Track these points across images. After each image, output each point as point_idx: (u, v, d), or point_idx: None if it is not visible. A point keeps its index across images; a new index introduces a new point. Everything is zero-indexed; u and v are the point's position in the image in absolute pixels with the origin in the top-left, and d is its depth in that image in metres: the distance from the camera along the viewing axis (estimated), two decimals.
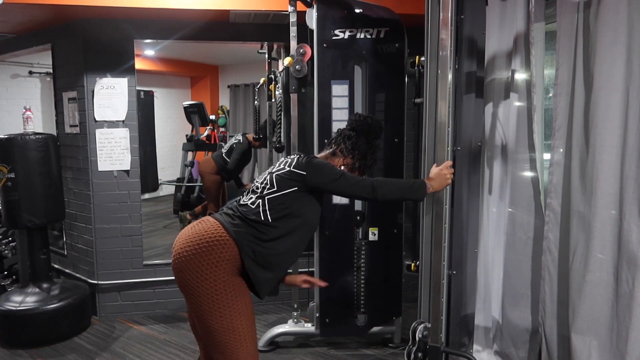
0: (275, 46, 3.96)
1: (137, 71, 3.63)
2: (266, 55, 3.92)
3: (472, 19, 2.23)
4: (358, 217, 3.01)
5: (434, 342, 2.16)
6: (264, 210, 1.90)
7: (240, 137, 4.80)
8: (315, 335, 3.10)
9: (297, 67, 2.88)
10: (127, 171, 3.63)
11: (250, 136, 4.78)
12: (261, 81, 4.23)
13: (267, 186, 1.96)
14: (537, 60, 2.34)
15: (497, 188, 2.52)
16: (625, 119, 1.94)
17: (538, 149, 2.36)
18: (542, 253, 2.29)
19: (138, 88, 3.70)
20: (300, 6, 2.92)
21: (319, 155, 2.20)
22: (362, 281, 3.04)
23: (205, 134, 6.81)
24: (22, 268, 3.51)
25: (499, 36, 2.44)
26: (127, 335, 3.44)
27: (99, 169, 3.57)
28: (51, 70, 3.86)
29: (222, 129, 7.20)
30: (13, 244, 4.01)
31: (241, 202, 1.98)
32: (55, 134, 3.74)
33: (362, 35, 2.88)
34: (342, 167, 2.14)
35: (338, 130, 2.26)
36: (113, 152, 3.57)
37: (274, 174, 1.99)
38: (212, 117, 6.90)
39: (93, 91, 3.52)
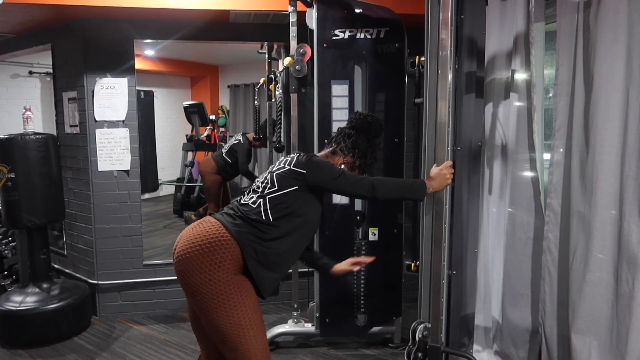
0: (275, 46, 3.96)
1: (137, 71, 3.63)
2: (266, 55, 3.92)
3: (472, 19, 2.23)
4: (358, 217, 3.01)
5: (434, 342, 2.17)
6: (265, 210, 1.90)
7: (240, 137, 4.80)
8: (315, 335, 3.10)
9: (297, 67, 2.88)
10: (127, 171, 3.63)
11: (251, 136, 4.78)
12: (261, 81, 4.23)
13: (268, 185, 1.96)
14: (537, 60, 2.34)
15: (497, 188, 2.52)
16: (625, 119, 1.94)
17: (538, 149, 2.36)
18: (542, 253, 2.29)
19: (138, 88, 3.70)
20: (300, 6, 2.92)
21: (319, 154, 2.19)
22: (362, 281, 3.04)
23: (205, 134, 6.81)
24: (22, 268, 3.51)
25: (499, 36, 2.44)
26: (127, 335, 3.44)
27: (99, 169, 3.57)
28: (51, 70, 3.86)
29: (222, 129, 7.21)
30: (13, 244, 4.01)
31: (242, 202, 1.98)
32: (55, 134, 3.74)
33: (362, 35, 2.88)
34: (342, 166, 2.13)
35: (338, 129, 2.26)
36: (113, 152, 3.57)
37: (275, 173, 1.99)
38: (212, 117, 6.90)
39: (93, 91, 3.52)
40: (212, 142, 6.79)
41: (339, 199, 2.95)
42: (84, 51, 3.51)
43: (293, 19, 2.96)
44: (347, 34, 2.87)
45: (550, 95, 2.46)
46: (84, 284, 3.62)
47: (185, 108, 6.72)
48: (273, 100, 3.30)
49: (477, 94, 2.33)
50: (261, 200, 1.93)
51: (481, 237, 2.55)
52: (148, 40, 3.69)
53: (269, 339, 3.13)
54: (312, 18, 2.88)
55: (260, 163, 6.14)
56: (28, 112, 3.30)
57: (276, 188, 1.94)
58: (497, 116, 2.48)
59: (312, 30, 2.90)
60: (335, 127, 2.86)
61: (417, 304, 2.34)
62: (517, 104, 2.40)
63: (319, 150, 2.68)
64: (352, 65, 2.92)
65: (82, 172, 3.65)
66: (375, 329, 3.12)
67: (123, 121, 3.58)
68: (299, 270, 3.28)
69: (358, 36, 2.88)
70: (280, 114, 3.10)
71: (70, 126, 3.70)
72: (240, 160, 4.74)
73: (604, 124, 1.98)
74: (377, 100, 2.96)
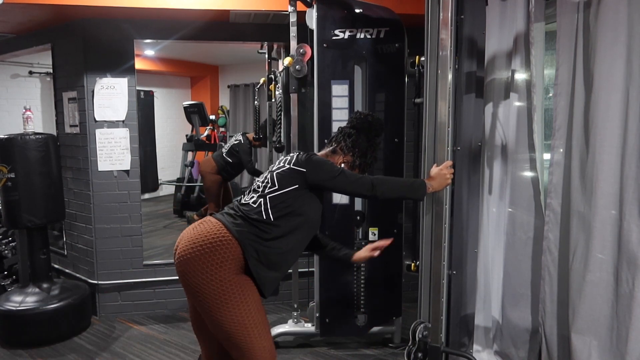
0: (275, 46, 3.96)
1: (137, 71, 3.63)
2: (266, 55, 3.92)
3: (472, 19, 2.23)
4: (358, 217, 3.01)
5: (434, 342, 2.17)
6: (266, 209, 1.90)
7: (240, 137, 4.80)
8: (315, 335, 3.10)
9: (297, 67, 2.88)
10: (127, 171, 3.63)
11: (251, 135, 4.78)
12: (261, 81, 4.24)
13: (268, 185, 1.96)
14: (537, 60, 2.34)
15: (497, 188, 2.52)
16: (625, 119, 1.94)
17: (538, 149, 2.36)
18: (542, 253, 2.29)
19: (138, 88, 3.70)
20: (300, 6, 2.92)
21: (319, 153, 2.19)
22: (362, 281, 3.04)
23: (205, 134, 6.81)
24: (22, 268, 3.51)
25: (499, 36, 2.44)
26: (127, 335, 3.44)
27: (99, 169, 3.57)
28: (51, 70, 3.86)
29: (222, 129, 7.21)
30: (13, 244, 4.01)
31: (242, 202, 1.99)
32: (55, 134, 3.74)
33: (362, 35, 2.88)
34: (342, 165, 2.13)
35: (339, 128, 2.26)
36: (113, 152, 3.57)
37: (275, 172, 2.00)
38: (212, 117, 6.90)
39: (93, 91, 3.52)
40: (212, 142, 6.79)
41: (339, 199, 2.95)
42: (84, 51, 3.51)
43: (293, 19, 2.96)
44: (347, 34, 2.87)
45: (550, 95, 2.46)
46: (84, 284, 3.62)
47: (185, 108, 6.73)
48: (273, 100, 3.30)
49: (477, 94, 2.33)
50: (262, 199, 1.93)
51: (481, 237, 2.55)
52: (148, 40, 3.69)
53: None
54: (312, 18, 2.88)
55: (260, 163, 6.14)
56: (28, 112, 3.30)
57: (276, 187, 1.94)
58: (497, 116, 2.48)
59: (312, 30, 2.90)
60: (335, 127, 2.85)
61: (417, 304, 2.34)
62: (517, 104, 2.40)
63: (319, 150, 2.68)
64: (352, 65, 2.92)
65: (82, 172, 3.65)
66: (375, 329, 3.12)
67: (123, 121, 3.58)
68: (299, 270, 3.28)
69: (358, 36, 2.88)
70: (280, 114, 3.10)
71: (70, 126, 3.70)
72: (244, 160, 4.74)
73: (604, 124, 1.98)
74: (377, 100, 2.96)
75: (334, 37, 2.86)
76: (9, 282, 3.86)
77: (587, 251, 2.07)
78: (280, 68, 3.30)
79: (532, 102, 2.32)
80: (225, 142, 6.14)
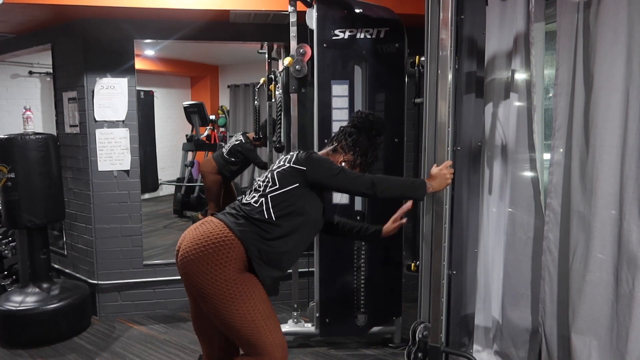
0: (275, 46, 3.96)
1: (137, 71, 3.62)
2: (266, 55, 3.92)
3: (472, 19, 2.23)
4: (358, 217, 3.01)
5: (434, 342, 2.17)
6: (267, 209, 1.91)
7: (241, 137, 4.80)
8: (315, 335, 3.10)
9: (297, 67, 2.88)
10: (127, 171, 3.63)
11: (251, 135, 4.78)
12: (261, 81, 4.23)
13: (269, 184, 1.97)
14: (537, 60, 2.34)
15: (497, 188, 2.52)
16: (625, 119, 1.94)
17: (538, 149, 2.36)
18: (542, 253, 2.29)
19: (138, 88, 3.70)
20: (300, 6, 2.92)
21: (320, 152, 2.20)
22: (362, 281, 3.04)
23: (205, 134, 6.81)
24: (22, 268, 3.51)
25: (499, 36, 2.44)
26: (127, 335, 3.44)
27: (99, 169, 3.57)
28: (51, 70, 3.86)
29: (222, 129, 7.20)
30: (13, 244, 4.01)
31: (244, 201, 1.99)
32: (55, 134, 3.74)
33: (362, 35, 2.88)
34: (343, 164, 2.14)
35: (340, 127, 2.27)
36: (113, 152, 3.57)
37: (275, 171, 2.00)
38: (212, 117, 6.90)
39: (93, 91, 3.52)
40: (212, 142, 6.79)
41: (339, 199, 2.95)
42: (84, 51, 3.51)
43: (293, 19, 2.96)
44: (347, 34, 2.87)
45: (550, 95, 2.46)
46: (84, 284, 3.62)
47: (185, 108, 6.72)
48: (273, 100, 3.30)
49: (477, 94, 2.33)
50: (263, 199, 1.94)
51: (481, 237, 2.55)
52: (148, 40, 3.69)
53: None
54: (312, 18, 2.88)
55: None
56: (28, 112, 3.30)
57: (277, 186, 1.95)
58: (497, 116, 2.48)
59: (312, 30, 2.90)
60: (335, 127, 2.86)
61: (417, 304, 2.34)
62: (517, 104, 2.40)
63: (320, 150, 2.68)
64: (352, 65, 2.92)
65: (82, 172, 3.65)
66: (375, 329, 3.12)
67: (123, 121, 3.58)
68: (299, 270, 3.28)
69: (358, 36, 2.88)
70: (280, 114, 3.10)
71: (70, 126, 3.70)
72: (251, 157, 4.76)
73: (604, 124, 1.98)
74: (377, 100, 2.96)
75: (334, 37, 2.86)
76: (9, 282, 3.85)
77: (587, 251, 2.07)
78: (280, 68, 3.30)
79: (532, 102, 2.32)
80: (225, 142, 6.14)
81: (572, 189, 2.16)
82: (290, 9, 2.95)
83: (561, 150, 2.20)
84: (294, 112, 3.02)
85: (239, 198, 2.06)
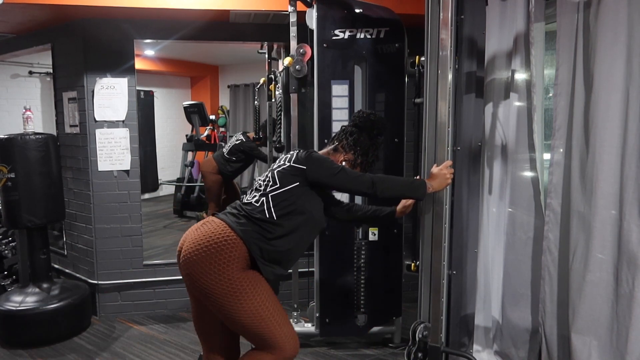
0: (275, 46, 3.96)
1: (137, 71, 3.62)
2: (266, 55, 3.92)
3: (472, 19, 2.23)
4: (355, 222, 3.00)
5: (434, 342, 2.17)
6: (269, 208, 1.91)
7: (242, 137, 4.80)
8: (315, 335, 3.10)
9: (297, 67, 2.88)
10: (127, 171, 3.63)
11: (251, 135, 4.78)
12: (261, 81, 4.23)
13: (270, 183, 1.97)
14: (537, 60, 2.34)
15: (497, 188, 2.52)
16: (625, 119, 1.94)
17: (538, 149, 2.36)
18: (542, 253, 2.29)
19: (138, 88, 3.70)
20: (300, 6, 2.91)
21: (321, 152, 2.20)
22: (362, 281, 3.04)
23: (205, 134, 6.82)
24: (22, 268, 3.51)
25: (499, 36, 2.44)
26: (127, 335, 3.44)
27: (99, 169, 3.57)
28: (51, 70, 3.86)
29: (222, 129, 7.21)
30: (13, 244, 4.01)
31: (245, 201, 1.99)
32: (55, 134, 3.74)
33: (362, 35, 2.88)
34: (344, 163, 2.14)
35: (342, 127, 2.27)
36: (113, 152, 3.57)
37: (275, 171, 2.01)
38: (212, 117, 6.90)
39: (93, 91, 3.52)
40: (212, 142, 6.79)
41: (339, 198, 2.94)
42: (84, 51, 3.51)
43: (293, 19, 2.96)
44: (347, 34, 2.87)
45: (550, 95, 2.46)
46: (84, 284, 3.62)
47: (185, 108, 6.73)
48: (273, 100, 3.30)
49: (477, 94, 2.33)
50: (264, 198, 1.94)
51: (481, 237, 2.55)
52: (148, 40, 3.69)
53: None
54: (312, 18, 2.88)
55: (260, 163, 6.14)
56: (28, 112, 3.30)
57: (278, 185, 1.95)
58: (497, 116, 2.48)
59: (312, 30, 2.90)
60: (335, 127, 2.86)
61: (417, 304, 2.34)
62: (517, 104, 2.40)
63: (320, 150, 2.68)
64: (352, 65, 2.92)
65: (82, 172, 3.65)
66: (375, 329, 3.12)
67: (123, 121, 3.58)
68: (299, 270, 3.28)
69: (358, 36, 2.88)
70: (280, 114, 3.10)
71: (70, 126, 3.70)
72: (255, 154, 4.75)
73: (604, 124, 1.98)
74: (377, 100, 2.96)
75: (334, 37, 2.86)
76: (9, 282, 3.85)
77: (587, 251, 2.07)
78: (280, 68, 3.30)
79: (532, 102, 2.32)
80: (225, 142, 6.14)
81: (572, 189, 2.16)
82: (290, 9, 2.95)
83: (561, 150, 2.20)
84: (294, 112, 3.02)
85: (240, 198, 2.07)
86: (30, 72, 6.00)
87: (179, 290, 3.68)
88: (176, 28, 3.54)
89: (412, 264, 2.86)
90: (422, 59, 2.45)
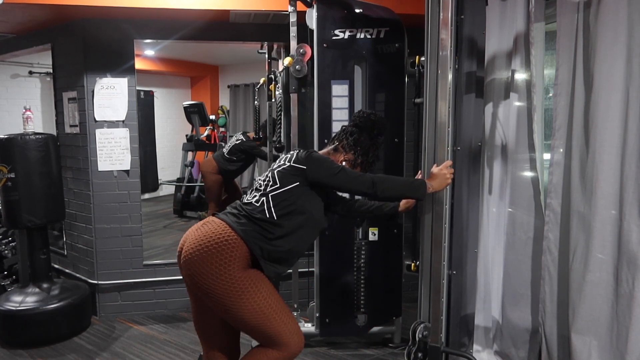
0: (275, 46, 3.96)
1: (137, 71, 3.62)
2: (266, 55, 3.92)
3: (472, 19, 2.23)
4: (358, 217, 3.01)
5: (434, 342, 2.17)
6: (269, 208, 1.92)
7: (242, 137, 4.80)
8: (315, 335, 3.10)
9: (297, 67, 2.88)
10: (127, 171, 3.63)
11: (251, 135, 4.78)
12: (261, 81, 4.23)
13: (270, 183, 1.98)
14: (537, 60, 2.34)
15: (497, 188, 2.52)
16: (625, 119, 1.94)
17: (538, 149, 2.36)
18: (542, 253, 2.29)
19: (138, 88, 3.70)
20: (300, 6, 2.91)
21: (321, 152, 2.20)
22: (362, 281, 3.04)
23: (205, 134, 6.82)
24: (22, 268, 3.51)
25: (499, 36, 2.44)
26: (127, 335, 3.44)
27: (99, 169, 3.57)
28: (51, 70, 3.86)
29: (222, 129, 7.21)
30: (13, 244, 4.01)
31: (245, 201, 2.00)
32: (55, 134, 3.74)
33: (362, 35, 2.88)
34: (344, 163, 2.14)
35: (342, 127, 2.27)
36: (113, 152, 3.57)
37: (276, 170, 2.01)
38: (212, 117, 6.91)
39: (93, 91, 3.52)
40: (212, 142, 6.79)
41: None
42: (84, 51, 3.51)
43: (293, 19, 2.96)
44: (347, 34, 2.87)
45: (550, 95, 2.46)
46: (84, 284, 3.62)
47: (185, 108, 6.73)
48: (273, 100, 3.30)
49: (477, 94, 2.33)
50: (264, 198, 1.94)
51: (481, 237, 2.55)
52: (148, 40, 3.69)
53: None
54: (312, 18, 2.88)
55: (260, 163, 6.14)
56: (28, 112, 3.30)
57: (278, 185, 1.95)
58: (497, 116, 2.48)
59: (312, 30, 2.90)
60: (335, 127, 2.86)
61: (417, 304, 2.34)
62: (517, 104, 2.40)
63: (320, 150, 2.68)
64: (352, 65, 2.92)
65: (82, 172, 3.65)
66: (375, 329, 3.12)
67: (123, 121, 3.58)
68: (299, 270, 3.28)
69: (358, 36, 2.88)
70: (280, 114, 3.10)
71: (70, 126, 3.70)
72: (257, 153, 4.75)
73: (604, 124, 1.98)
74: (377, 100, 2.96)
75: (334, 37, 2.86)
76: (9, 282, 3.85)
77: (587, 251, 2.07)
78: (280, 68, 3.30)
79: (532, 102, 2.32)
80: (225, 142, 6.14)
81: (572, 189, 2.16)
82: (290, 9, 2.95)
83: (561, 150, 2.20)
84: (294, 112, 3.02)
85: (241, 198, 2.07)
86: (30, 72, 6.00)
87: (179, 290, 3.68)
88: (176, 28, 3.54)
89: (412, 264, 2.86)
90: (422, 59, 2.45)
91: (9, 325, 3.23)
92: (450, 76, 2.10)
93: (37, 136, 3.24)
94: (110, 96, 3.54)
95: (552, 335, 2.28)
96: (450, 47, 2.07)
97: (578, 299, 2.11)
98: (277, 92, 3.13)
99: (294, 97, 2.99)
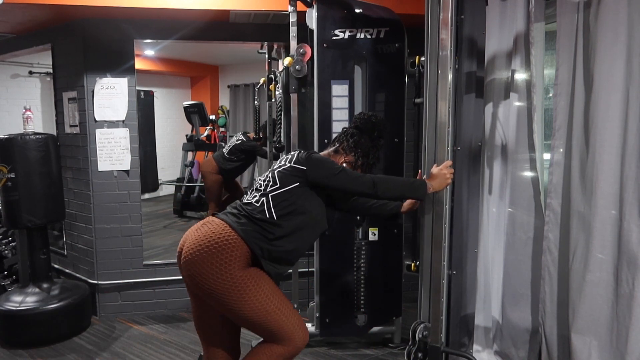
0: (275, 46, 3.96)
1: (137, 71, 3.62)
2: (266, 55, 3.92)
3: (472, 19, 2.23)
4: (358, 217, 3.01)
5: (434, 342, 2.16)
6: (269, 208, 1.92)
7: (242, 137, 4.81)
8: (315, 335, 3.10)
9: (297, 67, 2.88)
10: (127, 171, 3.63)
11: (251, 135, 4.78)
12: (261, 81, 4.24)
13: (270, 183, 1.98)
14: (537, 60, 2.34)
15: (497, 188, 2.52)
16: (625, 119, 1.94)
17: (538, 149, 2.36)
18: (542, 253, 2.29)
19: (138, 88, 3.70)
20: (300, 6, 2.92)
21: (322, 153, 2.20)
22: (362, 281, 3.04)
23: (205, 134, 6.82)
24: (22, 268, 3.51)
25: (499, 36, 2.44)
26: (127, 335, 3.44)
27: (99, 169, 3.57)
28: (51, 70, 3.86)
29: (222, 129, 7.21)
30: (13, 244, 4.01)
31: (245, 201, 2.00)
32: (55, 134, 3.74)
33: (362, 35, 2.88)
34: (344, 165, 2.14)
35: (343, 128, 2.27)
36: (113, 152, 3.57)
37: (276, 171, 2.01)
38: (212, 117, 6.91)
39: (93, 91, 3.52)
40: (212, 142, 6.79)
41: None
42: (84, 51, 3.51)
43: (293, 19, 2.96)
44: (347, 34, 2.87)
45: (550, 95, 2.46)
46: (84, 284, 3.62)
47: (185, 108, 6.73)
48: (273, 100, 3.30)
49: (477, 94, 2.33)
50: (264, 198, 1.94)
51: (481, 237, 2.55)
52: (148, 40, 3.69)
53: None
54: (312, 18, 2.88)
55: (260, 163, 6.14)
56: (28, 112, 3.30)
57: (278, 185, 1.95)
58: (497, 116, 2.48)
59: (312, 30, 2.90)
60: (335, 127, 2.86)
61: (417, 304, 2.34)
62: (517, 104, 2.40)
63: (319, 151, 2.68)
64: (352, 65, 2.92)
65: (82, 172, 3.65)
66: (375, 329, 3.12)
67: (123, 121, 3.58)
68: (299, 270, 3.28)
69: (358, 36, 2.88)
70: (280, 114, 3.10)
71: (70, 126, 3.70)
72: (257, 152, 4.76)
73: (604, 124, 1.98)
74: (377, 100, 2.96)
75: (334, 37, 2.86)
76: (9, 282, 3.85)
77: (587, 251, 2.07)
78: (280, 68, 3.30)
79: (532, 102, 2.32)
80: (225, 142, 6.15)
81: (572, 189, 2.16)
82: (290, 9, 2.95)
83: (561, 150, 2.20)
84: (294, 112, 3.02)
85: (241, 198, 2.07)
86: (30, 72, 6.00)
87: (179, 290, 3.68)
88: (176, 28, 3.55)
89: (412, 264, 2.86)
90: (422, 59, 2.45)
91: (9, 325, 3.23)
92: (450, 76, 2.10)
93: (37, 136, 3.24)
94: (110, 96, 3.54)
95: (552, 335, 2.28)
96: (450, 47, 2.07)
97: (578, 299, 2.11)
98: (277, 92, 3.13)
99: (294, 97, 2.99)
